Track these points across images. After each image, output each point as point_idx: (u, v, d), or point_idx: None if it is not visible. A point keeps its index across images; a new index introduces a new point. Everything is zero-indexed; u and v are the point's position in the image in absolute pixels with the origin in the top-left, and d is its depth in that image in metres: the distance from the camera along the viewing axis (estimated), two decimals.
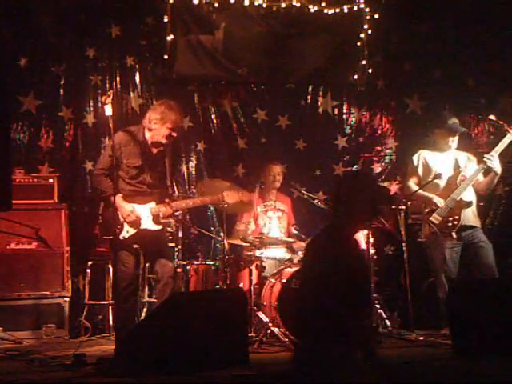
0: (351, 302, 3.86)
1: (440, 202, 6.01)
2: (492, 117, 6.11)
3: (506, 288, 5.15)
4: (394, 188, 7.67)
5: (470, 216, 6.04)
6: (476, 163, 6.16)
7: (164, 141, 5.61)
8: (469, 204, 6.00)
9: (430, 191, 6.12)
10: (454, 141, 6.19)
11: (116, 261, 5.23)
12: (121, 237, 5.44)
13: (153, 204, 5.59)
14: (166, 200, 5.61)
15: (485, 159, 5.97)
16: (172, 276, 5.61)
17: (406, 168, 6.50)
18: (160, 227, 5.66)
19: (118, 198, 5.37)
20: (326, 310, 3.85)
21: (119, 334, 4.97)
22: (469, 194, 6.06)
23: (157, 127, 5.58)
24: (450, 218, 5.97)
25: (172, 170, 5.77)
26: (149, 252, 5.66)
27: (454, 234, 5.96)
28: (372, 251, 6.18)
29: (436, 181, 6.11)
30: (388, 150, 7.81)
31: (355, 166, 7.69)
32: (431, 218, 6.01)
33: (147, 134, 5.64)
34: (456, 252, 6.02)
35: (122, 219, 5.45)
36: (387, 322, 6.34)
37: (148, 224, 5.56)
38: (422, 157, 6.26)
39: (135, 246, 5.56)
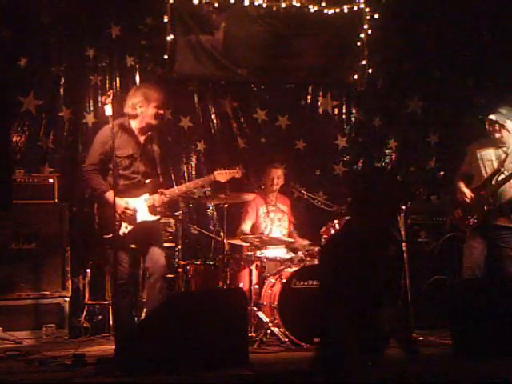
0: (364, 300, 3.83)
1: (468, 195, 5.92)
2: (492, 117, 6.07)
3: (506, 288, 5.14)
4: None
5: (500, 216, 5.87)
6: None
7: (153, 122, 5.56)
8: (494, 205, 5.83)
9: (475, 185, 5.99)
10: (499, 133, 5.92)
11: (114, 260, 5.20)
12: (120, 233, 5.41)
13: (146, 195, 5.56)
14: (159, 190, 5.58)
15: None
16: (163, 274, 5.56)
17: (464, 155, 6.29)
18: (157, 217, 5.63)
19: (111, 195, 5.26)
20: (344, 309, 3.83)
21: (119, 334, 4.96)
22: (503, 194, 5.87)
23: (143, 110, 5.54)
24: (469, 216, 5.89)
25: (161, 158, 5.73)
26: (145, 243, 5.59)
27: (468, 233, 5.87)
28: None
29: (480, 177, 5.95)
30: (388, 150, 7.81)
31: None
32: (454, 213, 5.97)
33: (133, 123, 5.60)
34: (482, 249, 5.87)
35: (117, 216, 5.37)
36: None
37: (145, 216, 5.53)
38: (474, 148, 6.07)
39: (133, 245, 5.53)
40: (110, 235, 5.24)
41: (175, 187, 5.87)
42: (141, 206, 5.53)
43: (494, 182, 5.89)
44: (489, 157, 6.01)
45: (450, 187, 6.35)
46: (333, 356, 3.91)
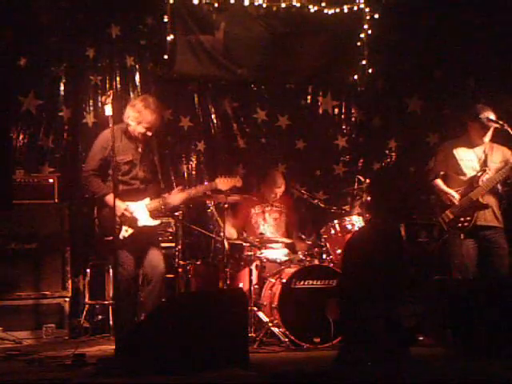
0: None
1: (455, 197, 5.87)
2: (492, 116, 6.07)
3: (506, 288, 5.14)
4: None
5: (487, 216, 5.85)
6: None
7: (140, 137, 5.62)
8: (485, 206, 5.81)
9: (454, 186, 5.96)
10: (487, 135, 5.93)
11: (115, 262, 5.21)
12: (120, 236, 5.43)
13: (147, 200, 5.58)
14: (162, 195, 5.62)
15: None
16: (162, 280, 5.62)
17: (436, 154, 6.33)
18: (158, 222, 5.67)
19: (111, 198, 5.31)
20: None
21: (119, 334, 4.97)
22: (488, 195, 5.86)
23: (133, 124, 5.58)
24: (461, 219, 5.82)
25: (161, 164, 5.75)
26: (145, 247, 5.62)
27: (462, 236, 5.81)
28: None
29: (460, 177, 5.95)
30: (388, 150, 7.80)
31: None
32: (443, 215, 5.91)
33: (130, 129, 5.64)
34: (474, 249, 5.84)
35: (118, 219, 5.40)
36: None
37: (146, 221, 5.56)
38: (451, 147, 6.04)
39: (133, 248, 5.55)
40: (111, 238, 5.26)
41: (176, 194, 5.85)
42: (142, 211, 5.54)
43: (480, 183, 5.86)
44: (468, 157, 6.00)
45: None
46: (352, 356, 3.97)
